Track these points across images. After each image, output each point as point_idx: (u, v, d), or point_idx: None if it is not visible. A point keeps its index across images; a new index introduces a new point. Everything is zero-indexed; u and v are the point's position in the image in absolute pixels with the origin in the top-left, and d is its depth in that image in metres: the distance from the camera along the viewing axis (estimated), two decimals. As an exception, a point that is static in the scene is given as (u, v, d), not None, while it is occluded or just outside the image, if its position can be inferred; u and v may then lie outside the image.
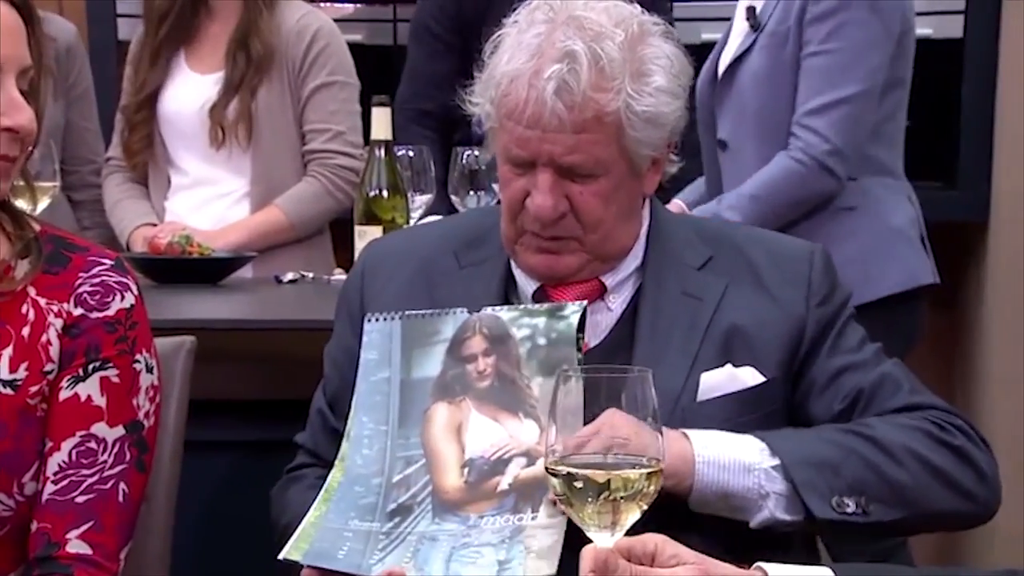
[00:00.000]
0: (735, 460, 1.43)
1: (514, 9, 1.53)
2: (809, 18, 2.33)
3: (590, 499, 1.12)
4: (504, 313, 1.47)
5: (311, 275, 2.65)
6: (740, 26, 2.47)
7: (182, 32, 2.81)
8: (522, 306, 1.50)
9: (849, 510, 1.42)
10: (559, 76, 1.44)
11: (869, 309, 2.09)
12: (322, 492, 1.44)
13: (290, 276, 2.62)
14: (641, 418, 1.15)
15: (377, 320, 1.50)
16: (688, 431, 1.44)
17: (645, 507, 1.14)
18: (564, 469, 1.13)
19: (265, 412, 2.15)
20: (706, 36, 2.94)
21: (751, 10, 2.42)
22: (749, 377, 1.50)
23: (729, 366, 1.50)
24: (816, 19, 2.33)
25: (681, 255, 1.55)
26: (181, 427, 1.63)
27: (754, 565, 1.18)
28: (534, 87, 1.45)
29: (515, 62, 1.47)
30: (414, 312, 1.50)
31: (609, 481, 1.12)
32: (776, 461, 1.43)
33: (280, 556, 1.40)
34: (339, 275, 2.60)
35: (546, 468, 1.14)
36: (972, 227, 3.04)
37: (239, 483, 2.11)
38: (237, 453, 2.18)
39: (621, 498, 1.12)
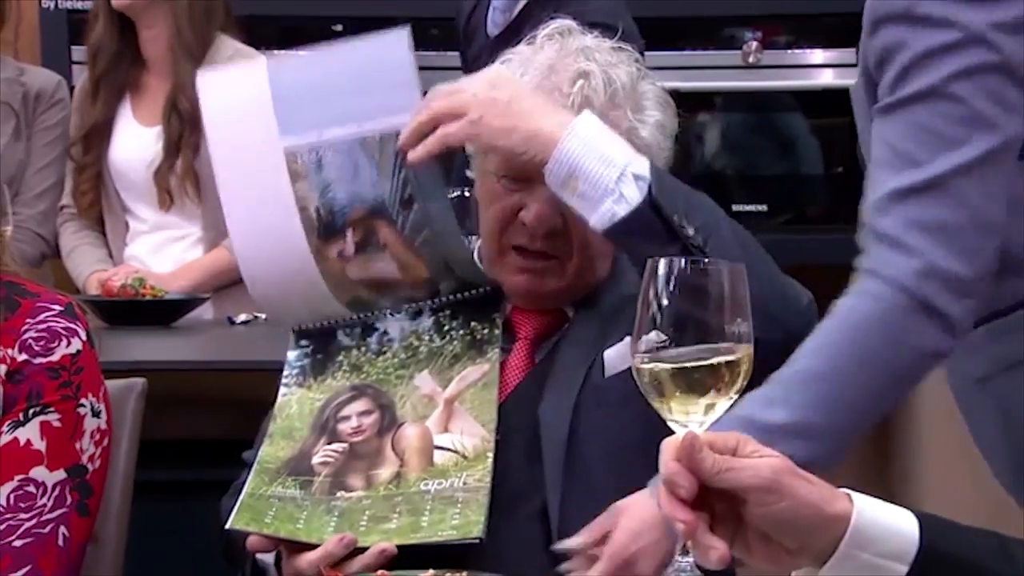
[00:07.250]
0: (604, 148, 1.40)
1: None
2: None
3: (680, 391, 1.07)
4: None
5: (264, 316, 2.66)
6: None
7: (119, 74, 2.85)
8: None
9: (689, 232, 1.39)
10: (578, 91, 1.46)
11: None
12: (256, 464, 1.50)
13: (243, 317, 2.63)
14: (733, 317, 1.05)
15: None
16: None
17: (735, 396, 1.08)
18: (652, 364, 1.06)
19: (217, 453, 2.15)
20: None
21: None
22: None
23: (627, 338, 1.49)
24: None
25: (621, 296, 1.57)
26: (131, 469, 1.64)
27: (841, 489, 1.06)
28: (550, 99, 1.46)
29: (528, 77, 1.49)
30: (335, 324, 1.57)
31: (699, 371, 1.06)
32: (644, 172, 1.39)
33: (227, 526, 1.43)
34: (292, 316, 2.61)
35: (635, 364, 1.08)
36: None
37: (190, 525, 2.11)
38: (188, 494, 2.18)
39: (712, 388, 1.07)
